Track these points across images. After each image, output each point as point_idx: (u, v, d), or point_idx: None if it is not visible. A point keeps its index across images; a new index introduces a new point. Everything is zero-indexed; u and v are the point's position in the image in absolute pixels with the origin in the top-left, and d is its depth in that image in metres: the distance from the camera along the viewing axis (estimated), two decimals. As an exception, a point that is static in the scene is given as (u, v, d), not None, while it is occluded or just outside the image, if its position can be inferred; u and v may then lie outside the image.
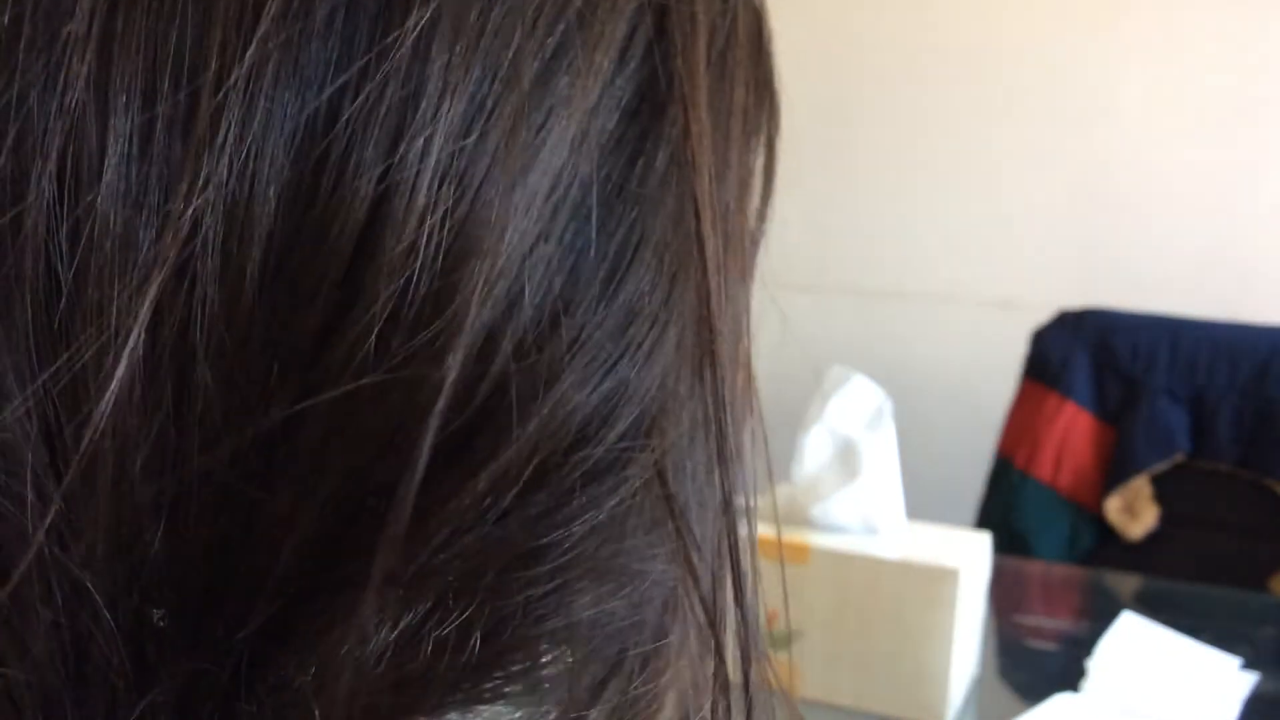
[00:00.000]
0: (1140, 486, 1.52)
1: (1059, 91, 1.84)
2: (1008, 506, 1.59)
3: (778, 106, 0.30)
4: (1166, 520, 1.52)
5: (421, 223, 0.20)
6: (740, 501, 0.25)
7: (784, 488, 0.99)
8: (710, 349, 0.24)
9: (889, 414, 0.97)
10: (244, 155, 0.19)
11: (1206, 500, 1.52)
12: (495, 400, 0.21)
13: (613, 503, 0.22)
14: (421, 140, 0.20)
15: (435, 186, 0.20)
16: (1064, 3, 1.82)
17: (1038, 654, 1.09)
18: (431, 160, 0.20)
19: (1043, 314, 1.64)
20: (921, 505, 1.01)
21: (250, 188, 0.19)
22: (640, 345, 0.23)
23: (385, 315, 0.20)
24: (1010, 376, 1.65)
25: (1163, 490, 1.52)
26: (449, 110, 0.20)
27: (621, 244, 0.23)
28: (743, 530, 0.26)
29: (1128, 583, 1.31)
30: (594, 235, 0.22)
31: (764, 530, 1.08)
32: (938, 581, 0.90)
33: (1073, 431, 1.57)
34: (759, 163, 0.29)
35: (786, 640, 0.95)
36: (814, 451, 0.97)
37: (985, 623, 1.01)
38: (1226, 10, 1.73)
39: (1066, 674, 0.97)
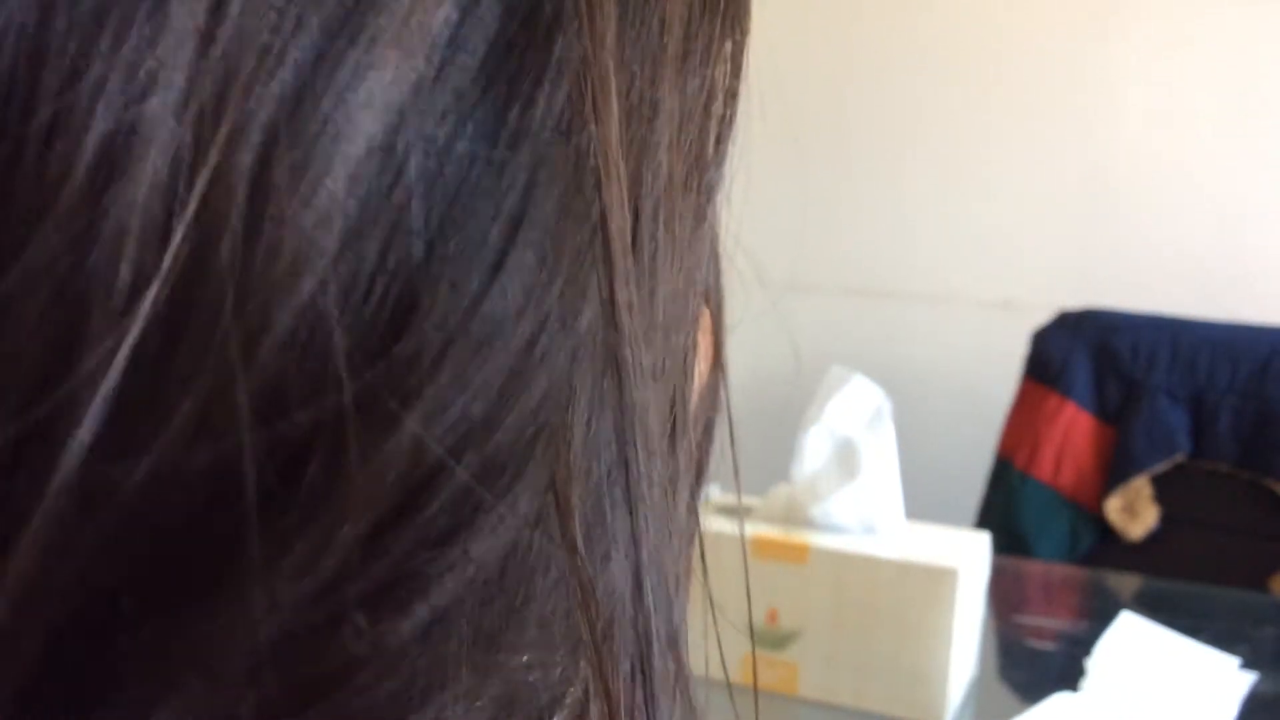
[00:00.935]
0: (1140, 487, 1.53)
1: (1060, 91, 1.84)
2: (1008, 507, 1.59)
3: (744, 5, 0.22)
4: (1166, 520, 1.52)
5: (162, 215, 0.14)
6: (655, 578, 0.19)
7: (783, 488, 0.99)
8: (614, 358, 0.18)
9: (888, 414, 0.97)
10: None
11: (1206, 500, 1.52)
12: (313, 444, 0.16)
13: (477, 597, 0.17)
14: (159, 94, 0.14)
15: (179, 157, 0.14)
16: (1065, 3, 1.82)
17: (1037, 654, 1.09)
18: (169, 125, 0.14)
19: (1043, 314, 1.65)
20: (921, 505, 1.01)
21: None
22: (518, 365, 0.17)
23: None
24: (1010, 377, 1.65)
25: (1163, 490, 1.52)
26: (194, 53, 0.14)
27: (491, 228, 0.17)
28: (662, 616, 0.20)
29: (1127, 583, 1.31)
30: (442, 220, 0.16)
31: (764, 530, 1.07)
32: (937, 581, 0.90)
33: (1073, 432, 1.57)
34: (719, 82, 0.22)
35: (785, 640, 0.95)
36: (813, 451, 0.97)
37: (985, 623, 1.01)
38: (1227, 11, 1.73)
39: (1066, 674, 0.97)
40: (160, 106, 0.14)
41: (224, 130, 0.15)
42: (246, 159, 0.15)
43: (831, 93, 1.97)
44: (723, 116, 0.22)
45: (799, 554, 0.94)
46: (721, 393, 0.25)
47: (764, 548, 0.95)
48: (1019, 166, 1.88)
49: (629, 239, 0.18)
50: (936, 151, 1.92)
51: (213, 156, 0.15)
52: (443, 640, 0.17)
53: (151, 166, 0.14)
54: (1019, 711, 0.90)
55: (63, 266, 0.14)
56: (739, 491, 0.26)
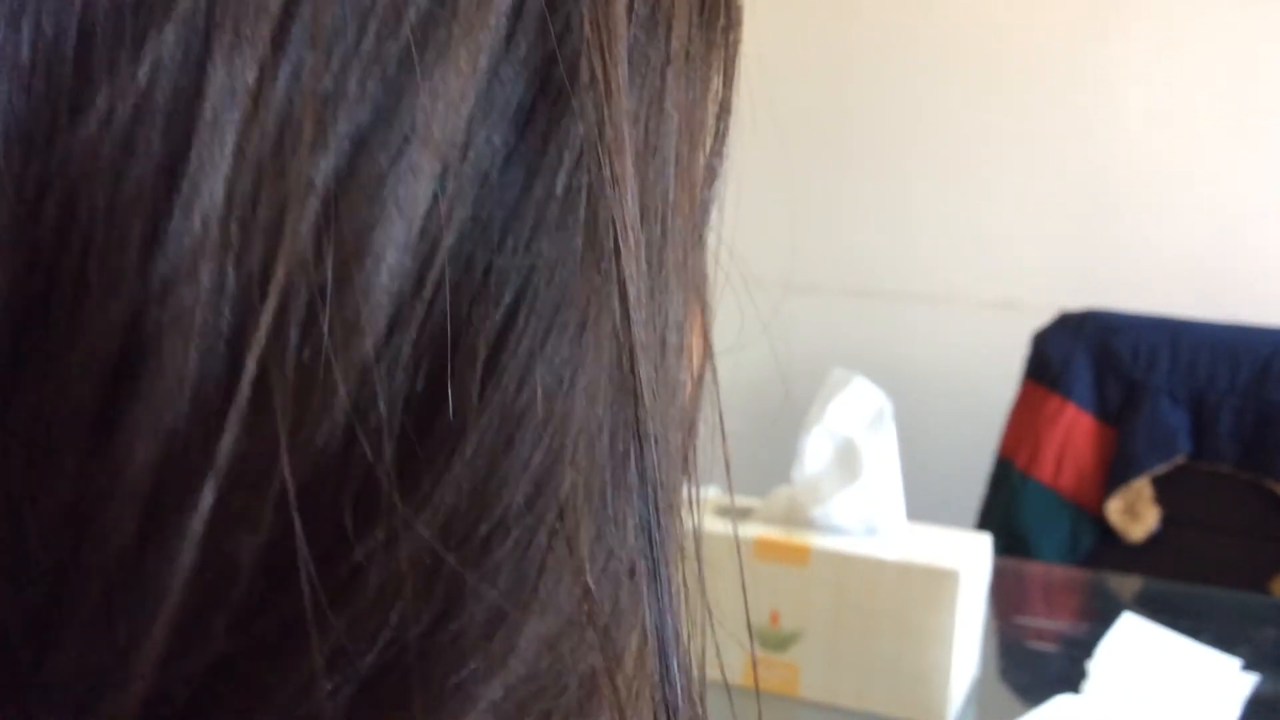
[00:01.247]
0: (1141, 488, 1.52)
1: (1060, 92, 1.84)
2: (1009, 508, 1.59)
3: (737, 9, 0.22)
4: (1167, 522, 1.52)
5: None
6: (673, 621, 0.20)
7: (784, 489, 0.99)
8: (635, 421, 0.18)
9: (889, 415, 0.97)
10: None
11: (1207, 502, 1.52)
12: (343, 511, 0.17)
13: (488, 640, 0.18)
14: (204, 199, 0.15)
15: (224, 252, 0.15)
16: (1065, 3, 1.83)
17: (1038, 655, 1.09)
18: (213, 229, 0.15)
19: (1043, 315, 1.64)
20: (922, 506, 1.01)
21: None
22: (534, 446, 0.17)
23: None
24: (1011, 378, 1.65)
25: (1164, 492, 1.52)
26: (220, 183, 0.15)
27: (509, 306, 0.17)
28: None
29: (1128, 584, 1.31)
30: (467, 306, 0.17)
31: (765, 532, 1.08)
32: (938, 583, 0.90)
33: (1074, 433, 1.57)
34: (714, 97, 0.22)
35: (787, 641, 0.95)
36: (814, 453, 0.97)
37: (986, 624, 1.01)
38: (1227, 11, 1.73)
39: (1067, 675, 0.97)
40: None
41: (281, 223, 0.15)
42: (298, 259, 0.15)
43: (831, 93, 1.97)
44: (718, 131, 0.22)
45: (800, 555, 0.94)
46: (712, 391, 0.25)
47: (765, 549, 0.95)
48: (1019, 166, 1.88)
49: (646, 300, 0.19)
50: (936, 152, 1.92)
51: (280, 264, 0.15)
52: None
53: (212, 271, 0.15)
54: (1020, 713, 0.90)
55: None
56: (731, 492, 0.26)
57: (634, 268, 0.18)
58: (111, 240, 0.15)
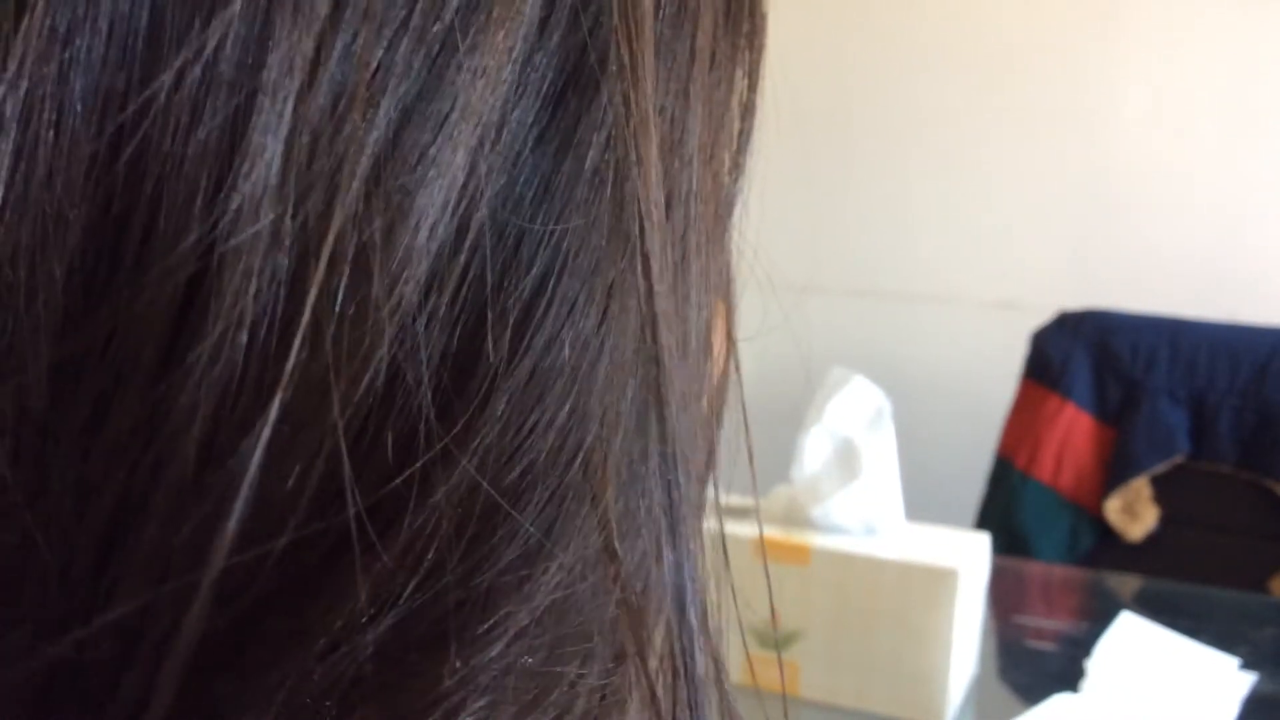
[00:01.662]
0: (1140, 487, 1.53)
1: (1059, 92, 1.84)
2: (1008, 507, 1.59)
3: (761, 17, 0.24)
4: (1166, 521, 1.52)
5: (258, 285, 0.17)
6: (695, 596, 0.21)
7: (784, 489, 0.99)
8: (656, 385, 0.20)
9: (889, 415, 0.97)
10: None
11: (1206, 501, 1.52)
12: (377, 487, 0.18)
13: (534, 602, 0.19)
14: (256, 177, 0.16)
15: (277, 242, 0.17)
16: (1065, 3, 1.83)
17: (1037, 654, 1.09)
18: (267, 219, 0.16)
19: (1043, 315, 1.65)
20: (921, 506, 1.01)
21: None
22: (562, 402, 0.19)
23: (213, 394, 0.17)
24: (1010, 378, 1.65)
25: (1163, 491, 1.52)
26: (279, 142, 0.16)
27: (540, 273, 0.18)
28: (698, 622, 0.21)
29: (1127, 583, 1.31)
30: (500, 270, 0.18)
31: (765, 531, 1.07)
32: (937, 582, 0.90)
33: (1073, 433, 1.57)
34: (740, 97, 0.23)
35: (787, 641, 0.95)
36: (814, 452, 0.97)
37: (985, 623, 1.01)
38: (1227, 11, 1.74)
39: (1066, 674, 0.97)
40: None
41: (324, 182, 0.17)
42: (349, 214, 0.17)
43: (831, 94, 1.97)
44: (742, 130, 0.23)
45: (800, 555, 0.94)
46: (736, 389, 0.26)
47: (766, 549, 0.95)
48: (1019, 167, 1.88)
49: (670, 277, 0.20)
50: (936, 151, 1.93)
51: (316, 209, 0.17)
52: (514, 658, 0.19)
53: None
54: (1019, 712, 0.90)
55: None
56: (747, 491, 0.26)
57: (657, 244, 0.19)
58: (179, 190, 0.16)
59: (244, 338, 0.17)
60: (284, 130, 0.16)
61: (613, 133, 0.19)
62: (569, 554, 0.19)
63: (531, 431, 0.19)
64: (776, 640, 0.95)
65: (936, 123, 1.92)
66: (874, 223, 1.98)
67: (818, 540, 0.94)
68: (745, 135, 0.24)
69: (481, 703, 0.19)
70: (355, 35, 0.17)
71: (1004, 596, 1.18)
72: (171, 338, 0.17)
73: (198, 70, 0.16)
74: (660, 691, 0.21)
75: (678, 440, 0.20)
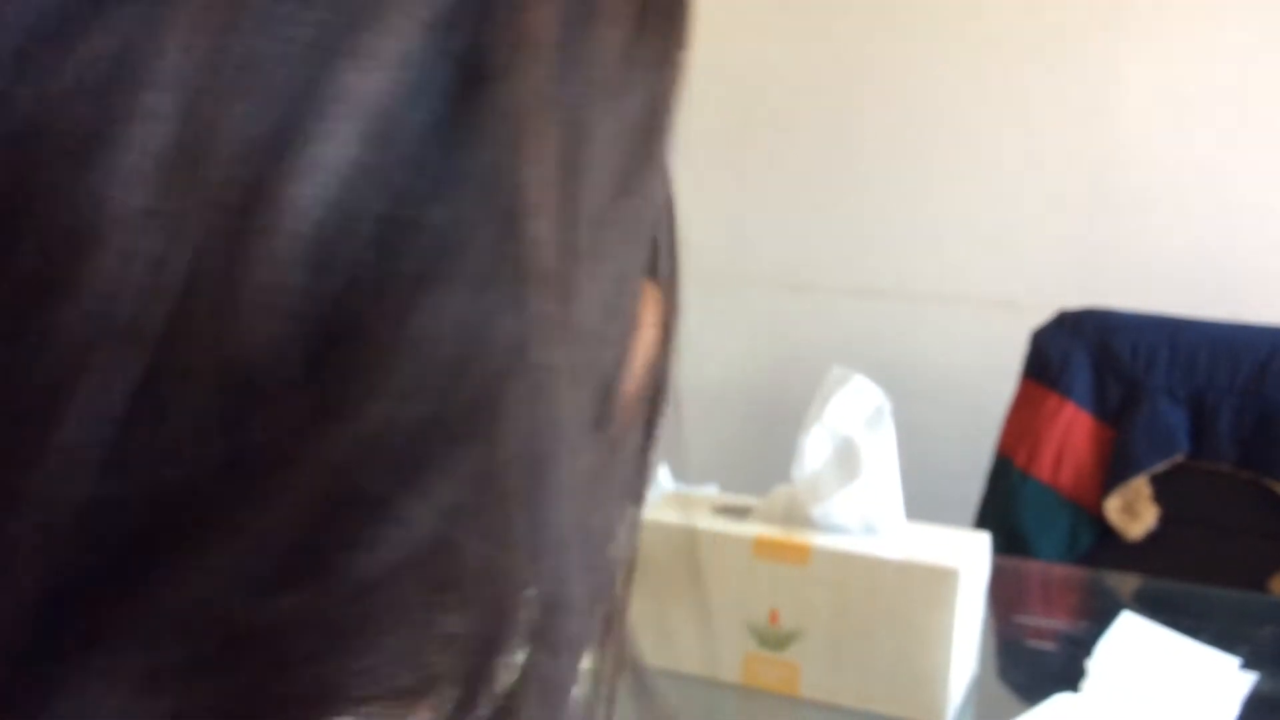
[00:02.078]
0: (1140, 487, 1.53)
1: (1060, 91, 1.84)
2: (1008, 507, 1.59)
3: (679, 34, 0.24)
4: (1166, 520, 1.52)
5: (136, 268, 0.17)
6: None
7: (784, 488, 0.99)
8: (533, 367, 0.20)
9: (888, 414, 0.97)
10: None
11: (1206, 500, 1.52)
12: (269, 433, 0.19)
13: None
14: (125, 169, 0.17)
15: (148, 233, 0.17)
16: (1065, 2, 1.83)
17: (1037, 654, 1.09)
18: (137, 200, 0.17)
19: (1042, 314, 1.64)
20: (921, 505, 1.01)
21: None
22: (451, 369, 0.19)
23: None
24: (1010, 377, 1.65)
25: (1162, 490, 1.52)
26: (155, 124, 0.17)
27: (422, 267, 0.19)
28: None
29: (1127, 583, 1.31)
30: (391, 247, 0.19)
31: (765, 531, 1.07)
32: (937, 582, 0.90)
33: (1073, 432, 1.57)
34: (656, 94, 0.23)
35: (787, 641, 0.95)
36: (814, 452, 0.97)
37: (985, 623, 1.01)
38: (1227, 10, 1.74)
39: (1066, 674, 0.97)
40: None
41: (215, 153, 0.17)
42: (216, 198, 0.17)
43: (830, 94, 1.97)
44: (660, 125, 0.23)
45: (800, 554, 0.94)
46: (670, 376, 0.27)
47: (765, 548, 0.95)
48: (1018, 165, 1.88)
49: (552, 263, 0.20)
50: (937, 151, 1.92)
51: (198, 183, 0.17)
52: (372, 603, 0.20)
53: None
54: (1019, 712, 0.90)
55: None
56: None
57: (544, 234, 0.20)
58: (48, 176, 0.17)
59: (112, 314, 0.17)
60: (161, 113, 0.17)
61: (504, 133, 0.19)
62: (437, 498, 0.20)
63: (415, 400, 0.19)
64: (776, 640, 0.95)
65: (937, 123, 1.92)
66: (874, 222, 1.98)
67: (818, 540, 0.94)
68: (665, 128, 0.23)
69: (328, 641, 0.19)
70: (237, 28, 0.17)
71: (1004, 596, 1.18)
72: (43, 295, 0.17)
73: (83, 54, 0.17)
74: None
75: (551, 405, 0.20)
